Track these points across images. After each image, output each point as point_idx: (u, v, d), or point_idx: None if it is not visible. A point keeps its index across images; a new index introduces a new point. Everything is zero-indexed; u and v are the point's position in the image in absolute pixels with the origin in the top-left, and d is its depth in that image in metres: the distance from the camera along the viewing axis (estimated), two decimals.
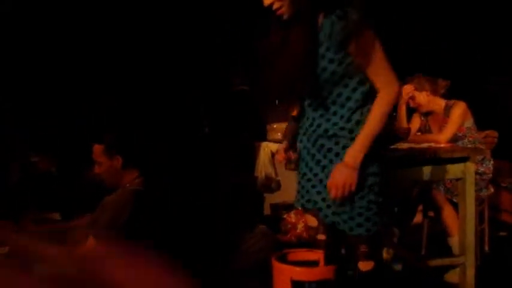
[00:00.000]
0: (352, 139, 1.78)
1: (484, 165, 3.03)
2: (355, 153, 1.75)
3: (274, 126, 4.21)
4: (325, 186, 1.82)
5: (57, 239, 2.34)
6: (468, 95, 3.19)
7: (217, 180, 3.89)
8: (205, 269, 2.68)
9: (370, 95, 1.79)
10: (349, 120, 1.80)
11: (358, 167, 1.74)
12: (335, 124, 1.81)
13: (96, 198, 2.38)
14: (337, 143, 1.81)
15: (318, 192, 1.88)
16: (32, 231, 2.43)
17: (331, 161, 1.83)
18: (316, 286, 1.86)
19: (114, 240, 2.14)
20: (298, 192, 1.99)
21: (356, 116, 1.80)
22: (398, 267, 2.93)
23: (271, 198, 4.18)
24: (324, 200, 1.86)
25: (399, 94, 1.88)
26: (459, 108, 3.04)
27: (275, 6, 1.72)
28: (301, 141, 1.95)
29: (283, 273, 1.90)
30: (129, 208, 2.23)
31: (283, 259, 2.02)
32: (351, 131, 1.80)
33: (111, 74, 4.14)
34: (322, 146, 1.84)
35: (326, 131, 1.82)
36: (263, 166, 4.12)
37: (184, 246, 2.42)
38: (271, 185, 4.12)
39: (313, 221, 2.03)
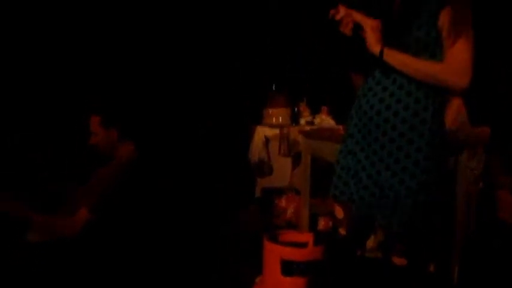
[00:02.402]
0: (422, 135, 1.64)
1: (475, 160, 3.08)
2: (378, 45, 1.64)
3: (270, 111, 4.22)
4: (367, 177, 1.71)
5: (49, 208, 2.36)
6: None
7: (211, 159, 3.91)
8: (197, 246, 2.71)
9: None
10: (425, 109, 1.64)
11: (371, 45, 1.64)
12: (407, 107, 1.65)
13: (90, 170, 2.39)
14: (403, 135, 1.65)
15: (355, 183, 1.76)
16: (25, 198, 2.44)
17: (389, 154, 1.68)
18: (305, 266, 1.89)
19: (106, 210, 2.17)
20: (332, 182, 1.87)
21: (426, 100, 1.65)
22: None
23: (263, 182, 4.21)
24: (358, 191, 1.75)
25: (461, 90, 1.65)
26: (454, 103, 3.07)
27: None
28: (355, 125, 1.79)
29: (274, 253, 1.93)
30: (123, 180, 2.25)
31: (274, 239, 2.06)
32: (423, 121, 1.65)
33: (113, 52, 4.12)
34: (385, 134, 1.68)
35: (396, 114, 1.65)
36: (256, 150, 4.14)
37: (176, 220, 2.45)
38: (264, 169, 4.15)
39: (340, 213, 1.98)
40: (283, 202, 3.73)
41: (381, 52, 1.63)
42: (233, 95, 4.46)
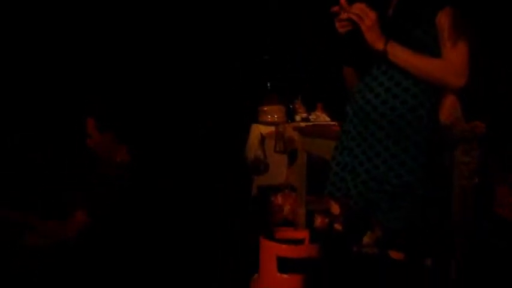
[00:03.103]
0: (419, 130, 1.65)
1: (470, 155, 3.08)
2: (382, 41, 1.63)
3: (265, 108, 4.22)
4: (365, 171, 1.71)
5: (47, 211, 2.37)
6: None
7: (207, 160, 3.91)
8: (193, 244, 2.72)
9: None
10: (422, 105, 1.66)
11: (373, 42, 1.63)
12: (404, 103, 1.66)
13: (87, 172, 2.40)
14: (400, 130, 1.67)
15: (353, 179, 1.75)
16: (22, 202, 2.44)
17: (386, 149, 1.68)
18: (301, 263, 1.90)
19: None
20: (329, 178, 1.86)
21: (423, 96, 1.66)
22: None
23: (259, 180, 4.22)
24: (356, 186, 1.74)
25: (458, 89, 1.68)
26: (449, 99, 3.08)
27: None
28: (350, 121, 1.80)
29: (269, 250, 1.94)
30: (120, 183, 2.26)
31: (270, 236, 2.06)
32: (420, 117, 1.66)
33: (112, 54, 4.11)
34: (382, 128, 1.69)
35: (393, 109, 1.67)
36: (252, 148, 4.14)
37: (173, 219, 2.46)
38: (260, 166, 4.15)
39: (336, 209, 1.98)
40: (279, 200, 3.74)
41: (385, 48, 1.63)
42: (230, 93, 4.46)
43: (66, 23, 3.90)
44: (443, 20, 1.62)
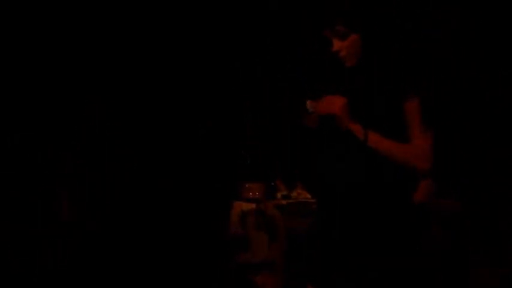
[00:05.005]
0: (394, 210, 1.72)
1: (445, 233, 3.11)
2: (361, 129, 1.70)
3: (247, 185, 4.26)
4: (338, 255, 1.74)
5: None
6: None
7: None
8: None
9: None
10: (397, 185, 1.74)
11: (347, 125, 1.71)
12: (376, 184, 1.73)
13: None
14: (373, 210, 1.72)
15: (325, 261, 1.78)
16: None
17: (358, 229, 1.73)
18: None
19: None
20: (304, 258, 1.92)
21: (401, 182, 1.74)
22: None
23: (238, 258, 4.15)
24: (329, 266, 1.76)
25: (424, 172, 1.80)
26: (423, 181, 3.15)
27: (342, 54, 1.73)
28: (326, 199, 1.85)
29: None
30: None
31: None
32: (394, 198, 1.73)
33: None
34: (354, 208, 1.73)
35: (365, 188, 1.73)
36: (233, 225, 4.11)
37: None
38: (239, 244, 4.10)
39: None
40: (259, 280, 3.68)
41: (366, 134, 1.71)
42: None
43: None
44: (411, 107, 1.71)
